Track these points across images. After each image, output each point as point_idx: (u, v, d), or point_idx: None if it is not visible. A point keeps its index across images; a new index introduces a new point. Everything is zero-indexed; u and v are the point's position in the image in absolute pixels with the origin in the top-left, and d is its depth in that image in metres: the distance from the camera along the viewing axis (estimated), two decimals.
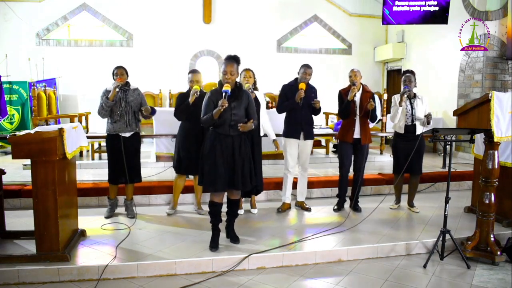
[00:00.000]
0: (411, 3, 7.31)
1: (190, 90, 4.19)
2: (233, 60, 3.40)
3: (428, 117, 4.32)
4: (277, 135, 4.61)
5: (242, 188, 3.47)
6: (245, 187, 3.48)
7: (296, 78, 4.48)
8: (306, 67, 4.41)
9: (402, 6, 7.32)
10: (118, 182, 4.25)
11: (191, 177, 4.56)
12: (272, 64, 9.76)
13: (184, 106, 4.13)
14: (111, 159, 4.20)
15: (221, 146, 3.37)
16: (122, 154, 4.10)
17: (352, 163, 4.60)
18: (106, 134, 4.23)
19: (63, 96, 8.78)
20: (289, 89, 4.43)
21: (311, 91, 4.42)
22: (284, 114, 4.57)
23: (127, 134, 4.15)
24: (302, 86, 4.28)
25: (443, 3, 7.23)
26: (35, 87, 6.53)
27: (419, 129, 4.42)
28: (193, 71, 4.31)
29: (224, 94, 3.27)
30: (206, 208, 3.67)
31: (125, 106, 4.10)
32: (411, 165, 4.31)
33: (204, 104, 3.43)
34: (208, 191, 3.53)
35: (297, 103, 4.30)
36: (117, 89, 4.03)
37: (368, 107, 4.30)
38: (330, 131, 7.33)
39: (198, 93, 4.09)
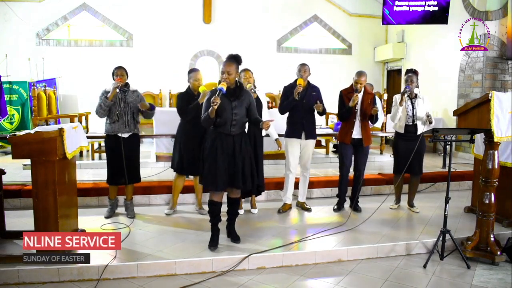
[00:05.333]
0: (411, 3, 7.32)
1: (189, 89, 4.19)
2: (232, 59, 3.38)
3: (428, 116, 4.29)
4: (279, 135, 4.60)
5: (243, 187, 3.46)
6: (246, 186, 3.48)
7: (297, 79, 4.48)
8: (302, 65, 4.44)
9: (402, 6, 7.33)
10: (117, 183, 4.25)
11: (191, 177, 4.55)
12: (272, 64, 9.75)
13: (195, 105, 4.05)
14: (110, 159, 4.20)
15: (222, 145, 3.37)
16: (122, 154, 4.09)
17: (353, 163, 4.60)
18: (105, 135, 4.23)
19: (63, 96, 8.77)
20: (290, 89, 4.43)
21: (313, 90, 4.42)
22: (286, 115, 4.56)
23: (126, 135, 4.14)
24: (299, 81, 4.29)
25: (443, 3, 7.23)
26: (35, 87, 6.53)
27: (420, 129, 4.40)
28: (195, 70, 4.30)
29: (218, 91, 3.24)
30: (207, 208, 3.67)
31: (124, 106, 4.09)
32: (411, 165, 4.32)
33: (204, 105, 3.43)
34: (209, 190, 3.54)
35: (296, 100, 4.29)
36: (117, 90, 4.03)
37: (372, 113, 4.33)
38: (330, 131, 7.32)
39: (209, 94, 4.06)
